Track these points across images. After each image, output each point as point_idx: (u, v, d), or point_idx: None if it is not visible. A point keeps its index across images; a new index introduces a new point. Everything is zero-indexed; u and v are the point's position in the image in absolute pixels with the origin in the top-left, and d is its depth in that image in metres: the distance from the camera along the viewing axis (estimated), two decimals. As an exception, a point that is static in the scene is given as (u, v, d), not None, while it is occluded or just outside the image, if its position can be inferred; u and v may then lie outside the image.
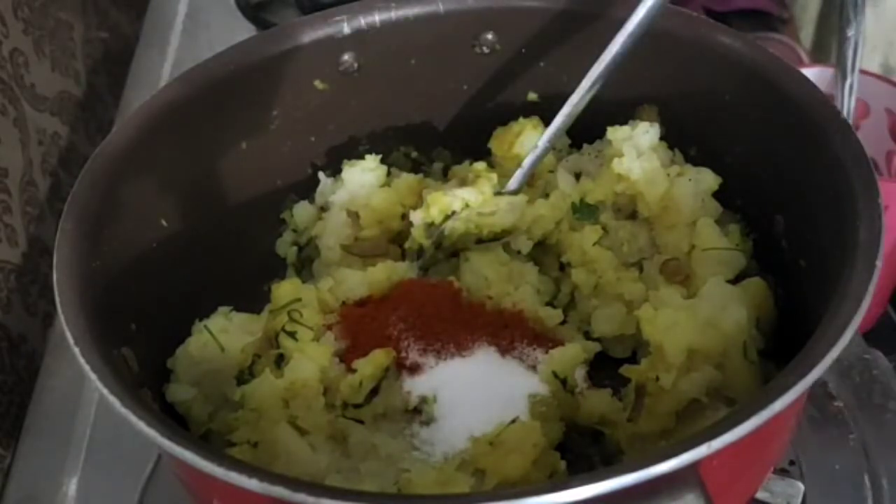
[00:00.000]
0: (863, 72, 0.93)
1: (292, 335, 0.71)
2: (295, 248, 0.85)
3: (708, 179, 0.76)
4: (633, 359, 0.76)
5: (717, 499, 0.50)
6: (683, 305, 0.69)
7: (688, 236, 0.75)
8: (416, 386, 0.70)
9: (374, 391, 0.70)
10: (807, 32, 1.31)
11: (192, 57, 1.01)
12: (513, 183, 0.79)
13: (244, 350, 0.71)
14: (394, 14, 0.81)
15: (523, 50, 0.83)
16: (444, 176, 0.88)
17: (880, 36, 1.19)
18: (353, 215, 0.82)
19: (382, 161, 0.84)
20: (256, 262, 0.84)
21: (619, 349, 0.77)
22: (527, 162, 0.78)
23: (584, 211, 0.79)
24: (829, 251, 0.62)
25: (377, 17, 0.81)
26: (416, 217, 0.79)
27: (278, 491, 0.49)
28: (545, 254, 0.81)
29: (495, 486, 0.62)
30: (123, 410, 0.55)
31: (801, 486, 0.72)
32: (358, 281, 0.76)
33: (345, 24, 0.80)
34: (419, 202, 0.80)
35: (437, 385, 0.70)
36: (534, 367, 0.72)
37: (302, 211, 0.85)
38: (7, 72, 0.94)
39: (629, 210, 0.79)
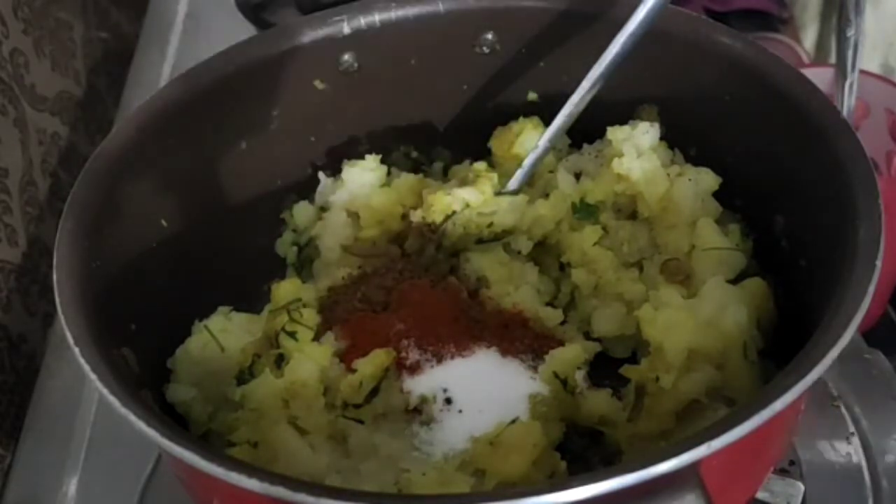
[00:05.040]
0: (863, 72, 0.93)
1: (292, 335, 0.71)
2: (295, 248, 0.85)
3: (708, 179, 0.76)
4: (633, 359, 0.76)
5: (717, 499, 0.50)
6: (683, 305, 0.69)
7: (688, 236, 0.75)
8: (416, 386, 0.70)
9: (374, 391, 0.70)
10: (807, 32, 1.31)
11: (192, 57, 1.01)
12: (513, 183, 0.79)
13: (244, 350, 0.71)
14: (394, 14, 0.81)
15: (523, 50, 0.83)
16: (444, 176, 0.88)
17: (880, 36, 1.19)
18: (353, 215, 0.82)
19: (382, 161, 0.84)
20: (256, 262, 0.84)
21: (619, 349, 0.77)
22: (527, 162, 0.78)
23: (584, 211, 0.79)
24: (829, 251, 0.62)
25: (377, 17, 0.81)
26: (416, 217, 0.79)
27: (278, 491, 0.49)
28: (545, 254, 0.81)
29: (495, 486, 0.62)
30: (123, 410, 0.55)
31: (801, 486, 0.72)
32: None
33: (345, 24, 0.80)
34: (419, 202, 0.80)
35: (437, 385, 0.70)
36: (534, 367, 0.72)
37: (302, 211, 0.85)
38: (7, 72, 0.94)
39: (629, 210, 0.79)
